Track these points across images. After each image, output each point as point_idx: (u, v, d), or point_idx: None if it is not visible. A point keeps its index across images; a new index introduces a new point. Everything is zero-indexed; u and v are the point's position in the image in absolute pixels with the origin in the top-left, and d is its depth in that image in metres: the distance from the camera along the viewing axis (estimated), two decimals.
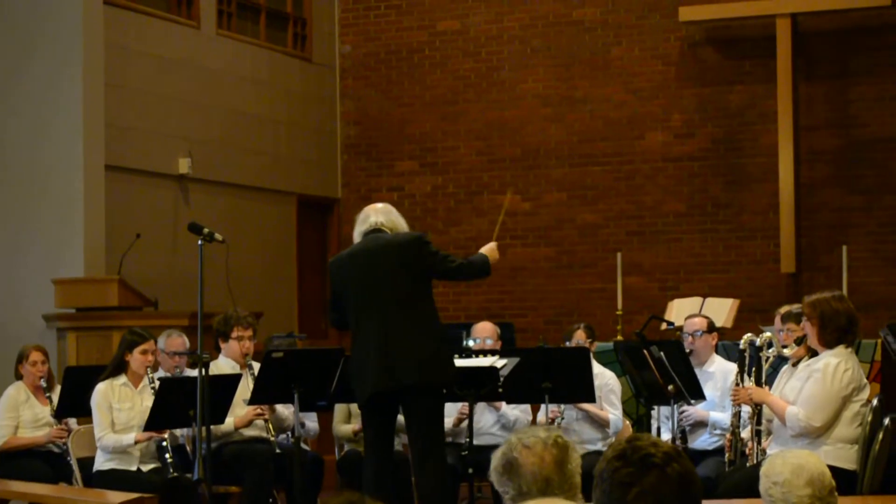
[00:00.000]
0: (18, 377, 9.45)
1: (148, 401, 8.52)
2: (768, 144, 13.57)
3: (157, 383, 8.51)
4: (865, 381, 7.53)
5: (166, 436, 8.44)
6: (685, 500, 3.19)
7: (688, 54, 14.01)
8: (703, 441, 8.95)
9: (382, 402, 7.80)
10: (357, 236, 8.00)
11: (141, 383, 8.66)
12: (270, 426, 8.86)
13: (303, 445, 8.75)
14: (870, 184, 13.49)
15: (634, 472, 3.18)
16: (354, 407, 9.45)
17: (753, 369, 7.97)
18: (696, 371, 8.68)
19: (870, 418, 7.41)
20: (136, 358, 8.63)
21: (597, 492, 3.24)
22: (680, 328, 9.78)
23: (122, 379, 8.65)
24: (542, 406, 8.97)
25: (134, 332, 8.79)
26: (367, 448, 7.98)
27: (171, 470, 8.34)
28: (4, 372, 9.93)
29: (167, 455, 8.41)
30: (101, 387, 8.58)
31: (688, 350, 8.83)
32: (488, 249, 8.09)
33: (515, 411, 9.48)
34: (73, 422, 9.30)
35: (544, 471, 3.85)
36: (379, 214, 7.98)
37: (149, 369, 8.63)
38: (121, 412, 8.55)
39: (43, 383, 9.36)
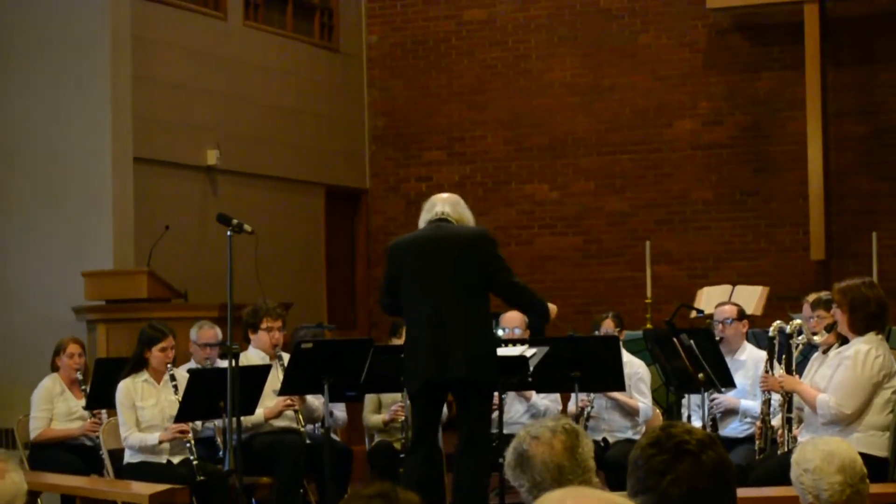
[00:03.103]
0: (55, 369, 9.45)
1: (171, 396, 8.50)
2: (797, 131, 13.51)
3: (178, 381, 8.48)
4: None
5: (190, 435, 8.34)
6: (719, 488, 3.19)
7: (715, 41, 13.96)
8: (733, 429, 8.92)
9: (433, 392, 7.78)
10: (421, 223, 7.91)
11: (163, 379, 8.59)
12: (301, 417, 8.87)
13: (332, 436, 8.75)
14: None
15: (668, 460, 3.18)
16: (384, 397, 9.47)
17: (783, 357, 7.94)
18: (728, 359, 8.64)
19: None
20: (155, 356, 8.55)
21: (631, 479, 3.24)
22: (710, 316, 9.75)
23: (144, 375, 8.57)
24: (572, 395, 8.96)
25: (153, 327, 8.69)
26: (415, 435, 7.89)
27: (199, 473, 8.21)
28: (36, 364, 9.97)
29: (192, 456, 8.31)
30: (123, 385, 8.51)
31: (718, 338, 8.79)
32: (551, 306, 8.05)
33: (545, 401, 9.48)
34: (103, 413, 9.29)
35: (555, 458, 3.87)
36: (445, 205, 7.87)
37: (170, 365, 8.59)
38: (144, 410, 8.48)
39: (79, 376, 9.36)
